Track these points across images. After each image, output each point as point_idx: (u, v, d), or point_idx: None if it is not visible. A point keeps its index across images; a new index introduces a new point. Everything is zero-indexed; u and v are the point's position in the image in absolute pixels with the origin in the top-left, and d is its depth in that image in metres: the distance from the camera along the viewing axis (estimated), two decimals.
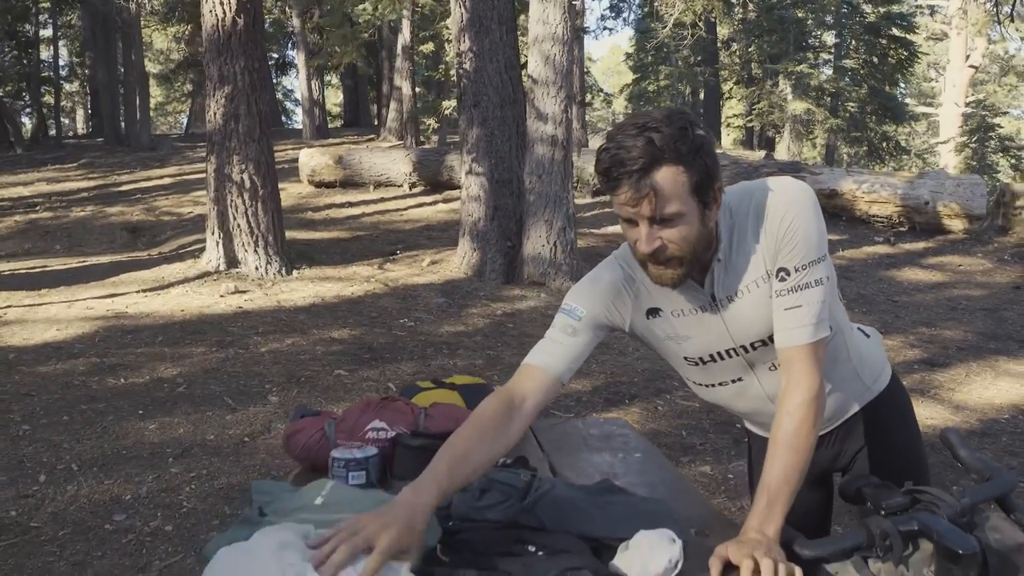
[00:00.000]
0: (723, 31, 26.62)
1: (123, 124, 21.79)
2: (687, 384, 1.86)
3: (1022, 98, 36.81)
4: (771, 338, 1.60)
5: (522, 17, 13.07)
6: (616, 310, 1.66)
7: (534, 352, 1.65)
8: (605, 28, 51.06)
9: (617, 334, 1.73)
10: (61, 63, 26.99)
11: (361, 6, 15.75)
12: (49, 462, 4.22)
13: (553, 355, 1.62)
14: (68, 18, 25.48)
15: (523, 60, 9.48)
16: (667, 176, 1.40)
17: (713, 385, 1.75)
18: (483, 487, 1.64)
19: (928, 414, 5.20)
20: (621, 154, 1.40)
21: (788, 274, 1.54)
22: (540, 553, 1.44)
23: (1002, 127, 27.26)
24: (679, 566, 1.45)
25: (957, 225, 11.54)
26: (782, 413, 1.53)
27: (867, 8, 22.38)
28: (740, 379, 1.72)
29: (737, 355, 1.66)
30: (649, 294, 1.65)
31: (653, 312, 1.66)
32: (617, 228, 11.37)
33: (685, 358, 1.70)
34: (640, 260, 1.54)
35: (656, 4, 18.30)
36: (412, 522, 1.34)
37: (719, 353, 1.66)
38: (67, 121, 35.36)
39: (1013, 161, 25.96)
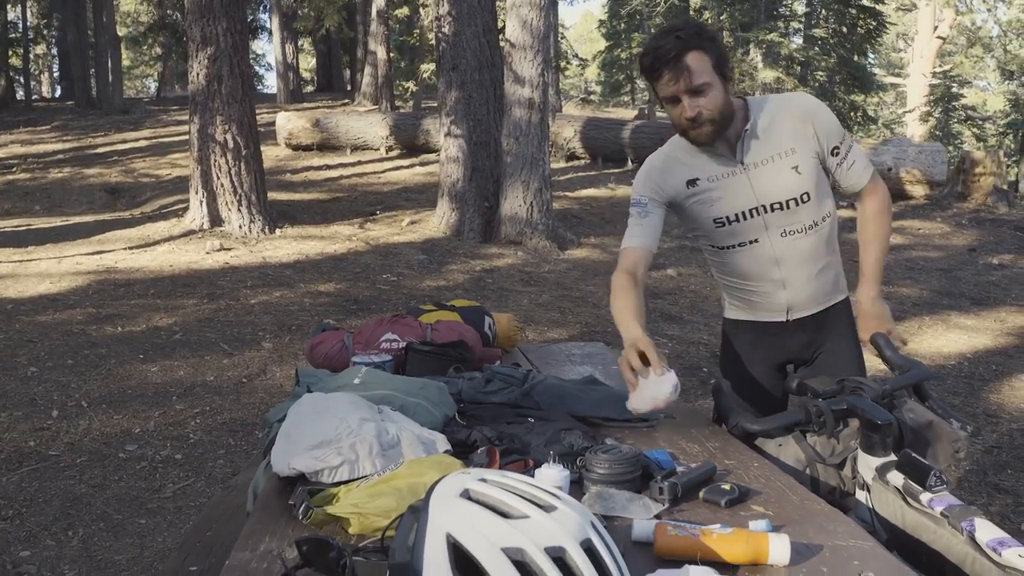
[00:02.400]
0: None
1: (94, 87, 21.61)
2: (711, 260, 2.28)
3: (988, 70, 37.38)
4: (788, 202, 2.07)
5: None
6: (664, 186, 2.14)
7: (625, 240, 2.16)
8: None
9: (675, 244, 2.21)
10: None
11: None
12: (60, 400, 4.48)
13: (638, 236, 2.13)
14: None
15: (501, 24, 9.69)
16: (694, 58, 1.92)
17: (732, 247, 2.16)
18: (487, 377, 1.95)
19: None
20: (658, 51, 1.92)
21: (838, 149, 2.12)
22: (539, 422, 1.75)
23: (966, 97, 27.80)
24: (678, 388, 1.77)
25: (919, 191, 11.95)
26: (867, 219, 2.21)
27: None
28: (756, 240, 2.13)
29: (757, 215, 2.10)
30: (689, 167, 2.11)
31: (692, 182, 2.11)
32: (591, 191, 11.68)
33: (714, 220, 2.13)
34: (683, 129, 2.02)
35: None
36: (631, 337, 1.88)
37: (742, 213, 2.10)
38: (33, 84, 34.79)
39: (976, 131, 26.54)
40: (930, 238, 10.21)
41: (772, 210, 2.09)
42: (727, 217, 2.11)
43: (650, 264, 2.16)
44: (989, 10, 28.95)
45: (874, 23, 23.32)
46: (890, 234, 2.27)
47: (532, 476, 1.46)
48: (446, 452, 1.51)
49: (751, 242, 2.14)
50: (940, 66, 27.88)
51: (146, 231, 8.74)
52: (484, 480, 1.02)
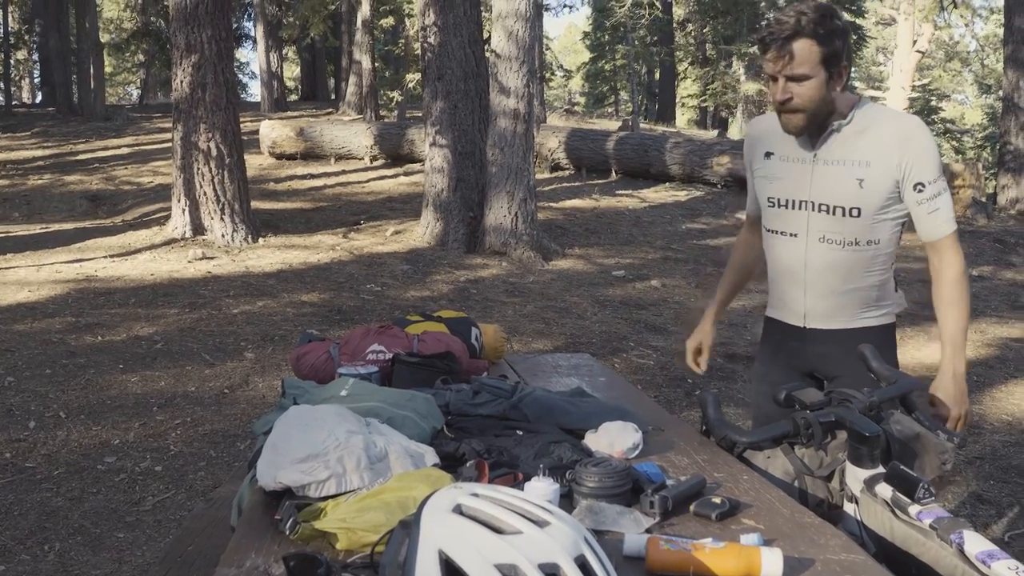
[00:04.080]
0: (679, 12, 27.00)
1: (76, 94, 21.47)
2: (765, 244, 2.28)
3: (966, 83, 37.83)
4: (836, 208, 2.04)
5: None
6: (752, 151, 2.22)
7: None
8: (565, 5, 51.13)
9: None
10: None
11: None
12: (37, 410, 4.42)
13: (750, 197, 2.32)
14: None
15: (486, 35, 9.70)
16: (803, 46, 1.90)
17: (776, 232, 2.18)
18: (475, 389, 1.93)
19: None
20: (774, 27, 1.92)
21: (924, 186, 2.00)
22: (527, 434, 1.74)
23: (945, 110, 28.13)
24: (639, 449, 1.77)
25: None
26: (943, 284, 2.10)
27: None
28: (796, 235, 2.13)
29: (803, 209, 2.09)
30: (773, 141, 2.14)
31: (768, 155, 2.17)
32: (575, 202, 11.70)
33: (768, 198, 2.16)
34: (776, 109, 2.02)
35: None
36: (703, 321, 2.43)
37: (792, 201, 2.11)
38: (14, 90, 34.52)
39: (955, 144, 26.84)
40: (911, 250, 10.19)
41: (819, 209, 2.07)
42: (778, 199, 2.13)
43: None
44: (966, 25, 29.31)
45: (854, 37, 23.57)
46: (969, 301, 2.14)
47: (521, 489, 1.44)
48: (434, 465, 1.49)
49: (792, 235, 2.13)
50: (919, 80, 28.19)
51: (127, 239, 8.66)
52: (476, 495, 1.01)
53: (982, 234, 11.15)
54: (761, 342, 2.37)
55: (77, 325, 5.81)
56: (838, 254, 2.08)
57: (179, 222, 8.55)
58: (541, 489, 1.39)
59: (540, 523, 0.97)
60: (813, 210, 2.07)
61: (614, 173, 13.41)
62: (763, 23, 2.02)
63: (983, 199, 12.30)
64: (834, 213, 2.05)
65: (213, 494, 3.41)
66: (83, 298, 6.49)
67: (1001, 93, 14.42)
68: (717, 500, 1.45)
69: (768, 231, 2.20)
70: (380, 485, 1.35)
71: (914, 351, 6.19)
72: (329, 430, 1.44)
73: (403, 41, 19.77)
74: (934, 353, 6.46)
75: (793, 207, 2.10)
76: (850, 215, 2.03)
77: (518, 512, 0.99)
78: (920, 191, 2.00)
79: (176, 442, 4.19)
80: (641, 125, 19.02)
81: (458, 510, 0.99)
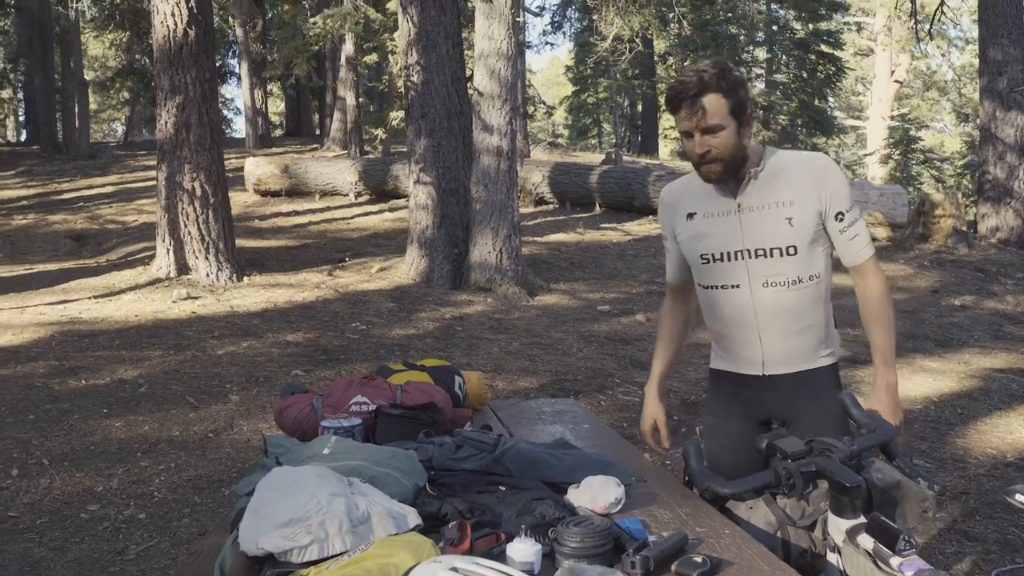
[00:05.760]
0: (660, 46, 27.32)
1: (60, 132, 21.47)
2: (700, 301, 2.31)
3: (944, 112, 38.37)
4: (773, 251, 2.10)
5: (468, 31, 13.40)
6: (668, 220, 2.27)
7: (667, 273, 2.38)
8: (547, 43, 51.80)
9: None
10: None
11: (312, 20, 15.94)
12: (20, 457, 4.37)
13: (669, 269, 2.38)
14: (1, 24, 24.96)
15: (469, 73, 9.79)
16: (712, 100, 2.01)
17: (716, 287, 2.20)
18: (458, 443, 1.94)
19: None
20: (680, 87, 2.03)
21: (843, 215, 2.12)
22: (510, 491, 1.74)
23: (924, 140, 28.50)
24: (622, 503, 1.77)
25: (881, 233, 12.17)
26: (870, 303, 2.20)
27: (796, 25, 23.28)
28: (738, 285, 2.15)
29: (741, 258, 2.13)
30: (692, 201, 2.20)
31: (691, 215, 2.21)
32: (560, 236, 11.76)
33: (701, 255, 2.19)
34: (695, 163, 2.10)
35: (595, 20, 18.81)
36: (647, 400, 2.38)
37: (727, 253, 2.14)
38: None
39: (935, 172, 27.17)
40: (893, 280, 10.38)
41: (756, 256, 2.11)
42: (712, 255, 2.16)
43: (690, 288, 2.33)
44: (943, 55, 29.84)
45: (833, 68, 23.95)
46: (894, 317, 2.25)
47: (504, 550, 1.45)
48: (416, 527, 1.49)
49: (733, 286, 2.15)
50: (898, 109, 28.59)
51: (111, 279, 8.63)
52: (455, 569, 1.01)
53: (963, 263, 11.26)
54: (710, 395, 2.36)
55: (61, 369, 5.78)
56: (785, 295, 2.12)
57: (164, 262, 8.54)
58: (523, 551, 1.39)
59: None
60: (750, 257, 2.12)
61: (598, 206, 13.50)
62: (668, 87, 2.11)
63: (964, 228, 12.44)
64: (772, 255, 2.10)
65: (197, 546, 3.37)
66: (67, 341, 6.45)
67: (979, 123, 14.64)
68: (699, 559, 1.45)
69: (706, 288, 2.22)
70: (362, 552, 1.35)
71: (899, 384, 6.22)
72: (311, 493, 1.44)
73: (387, 77, 19.91)
74: (918, 385, 6.49)
75: (729, 259, 2.14)
76: (787, 254, 2.10)
77: None
78: (840, 220, 2.12)
79: (160, 488, 4.15)
80: (624, 157, 19.17)
81: None
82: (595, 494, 1.73)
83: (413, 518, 1.50)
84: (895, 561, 1.63)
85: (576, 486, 1.77)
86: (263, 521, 1.43)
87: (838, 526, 1.80)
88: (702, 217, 2.17)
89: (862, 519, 1.78)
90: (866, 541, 1.71)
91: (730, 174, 2.09)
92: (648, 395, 2.40)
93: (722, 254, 2.14)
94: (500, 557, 1.44)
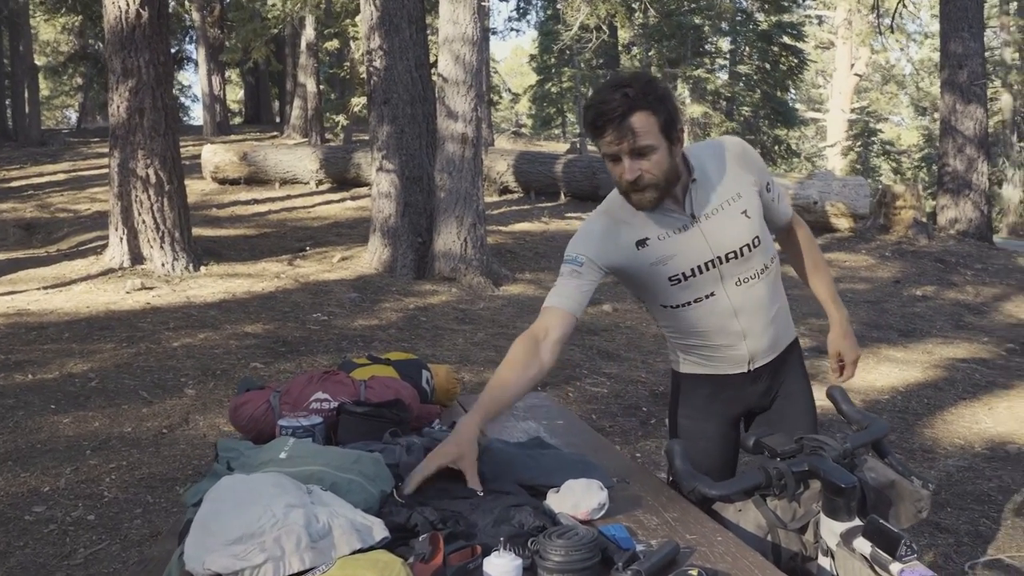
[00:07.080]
0: (624, 35, 27.26)
1: (10, 119, 20.85)
2: (662, 322, 2.15)
3: (902, 106, 38.88)
4: (742, 249, 1.99)
5: (432, 16, 13.19)
6: (609, 252, 1.99)
7: (549, 297, 1.99)
8: (512, 29, 51.43)
9: (611, 280, 2.07)
10: None
11: (271, 2, 15.58)
12: None
13: (564, 296, 1.96)
14: None
15: (433, 59, 9.61)
16: (640, 119, 1.80)
17: (688, 304, 2.04)
18: (427, 445, 1.80)
19: (817, 396, 5.59)
20: (603, 107, 1.80)
21: (771, 185, 2.10)
22: (486, 496, 1.61)
23: (883, 132, 28.83)
24: (605, 508, 1.65)
25: (844, 224, 12.23)
26: (805, 251, 2.30)
27: (760, 16, 23.36)
28: (712, 294, 2.02)
29: (713, 267, 1.99)
30: (635, 228, 1.98)
31: (641, 243, 1.98)
32: (525, 225, 11.63)
33: (669, 278, 2.00)
34: (624, 191, 1.90)
35: (561, 7, 18.67)
36: (459, 437, 1.75)
37: (698, 267, 1.99)
38: None
39: (894, 164, 27.50)
40: (856, 270, 10.42)
41: (727, 260, 1.99)
42: (683, 274, 1.99)
43: (570, 331, 1.96)
44: (902, 49, 30.15)
45: (795, 60, 24.10)
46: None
47: (480, 565, 1.32)
48: (383, 540, 1.36)
49: (707, 296, 2.02)
50: (857, 102, 28.88)
51: (62, 269, 8.34)
52: None
53: (923, 254, 11.35)
54: (683, 398, 2.23)
55: (6, 363, 5.52)
56: (758, 286, 2.06)
57: (117, 251, 8.25)
58: (501, 566, 1.26)
59: None
60: (722, 263, 2.00)
61: (563, 196, 13.40)
62: (587, 105, 1.87)
63: (923, 219, 12.55)
64: (741, 254, 2.00)
65: (147, 553, 3.20)
66: (13, 333, 6.18)
67: (938, 116, 14.78)
68: (693, 572, 1.33)
69: (677, 307, 2.05)
70: (323, 573, 1.21)
71: (864, 373, 6.21)
72: (265, 505, 1.30)
73: (348, 64, 19.59)
74: (884, 375, 6.48)
75: (702, 272, 1.99)
76: (754, 246, 2.01)
77: None
78: (769, 190, 2.10)
79: (111, 488, 3.96)
80: (588, 147, 19.09)
81: None
82: (577, 499, 1.61)
83: (379, 530, 1.36)
84: (895, 567, 1.53)
85: (556, 490, 1.64)
86: (211, 538, 1.28)
87: (832, 529, 1.71)
88: (657, 240, 1.97)
89: (857, 521, 1.69)
90: (863, 545, 1.62)
91: (664, 198, 1.91)
92: (468, 429, 1.78)
93: (693, 269, 1.99)
94: (476, 573, 1.31)
